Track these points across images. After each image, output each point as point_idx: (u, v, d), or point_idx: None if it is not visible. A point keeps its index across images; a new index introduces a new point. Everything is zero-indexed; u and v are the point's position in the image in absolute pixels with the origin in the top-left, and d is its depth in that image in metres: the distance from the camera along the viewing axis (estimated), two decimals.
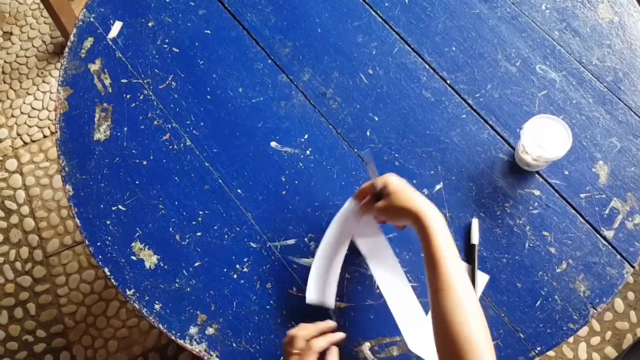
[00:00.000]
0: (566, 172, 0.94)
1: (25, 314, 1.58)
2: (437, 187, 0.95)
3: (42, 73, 1.89)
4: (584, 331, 1.48)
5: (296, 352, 0.77)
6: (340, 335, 0.82)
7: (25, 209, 1.69)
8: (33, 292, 1.60)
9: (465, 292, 0.67)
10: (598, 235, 0.90)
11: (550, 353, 1.47)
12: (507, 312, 0.87)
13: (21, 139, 1.79)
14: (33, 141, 1.79)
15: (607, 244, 0.90)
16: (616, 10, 1.06)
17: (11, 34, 1.96)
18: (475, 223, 0.90)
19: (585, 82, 1.00)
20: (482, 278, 0.88)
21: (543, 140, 0.86)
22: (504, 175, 0.94)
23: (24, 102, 1.84)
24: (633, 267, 0.89)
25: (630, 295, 1.51)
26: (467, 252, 0.90)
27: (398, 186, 0.79)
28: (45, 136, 1.79)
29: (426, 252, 0.71)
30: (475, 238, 0.89)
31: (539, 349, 0.85)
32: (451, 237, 0.72)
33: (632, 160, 0.95)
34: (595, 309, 0.87)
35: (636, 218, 0.91)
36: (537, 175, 0.94)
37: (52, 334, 1.56)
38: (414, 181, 0.95)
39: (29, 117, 1.82)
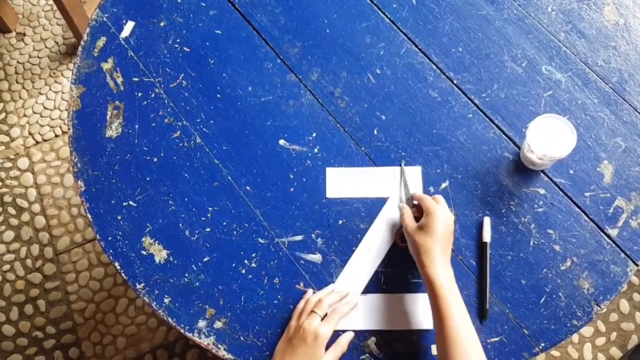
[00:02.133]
0: (571, 172, 0.95)
1: (35, 310, 1.61)
2: (444, 185, 0.96)
3: (54, 73, 1.92)
4: (589, 332, 1.49)
5: (315, 312, 0.84)
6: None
7: (36, 207, 1.72)
8: (43, 289, 1.63)
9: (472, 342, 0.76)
10: (602, 234, 0.91)
11: (556, 353, 1.48)
12: (512, 308, 0.88)
13: (33, 138, 1.82)
14: (45, 140, 1.81)
15: (611, 242, 0.91)
16: (622, 12, 1.07)
17: (24, 34, 1.99)
18: (487, 221, 0.92)
19: (591, 82, 1.01)
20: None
21: (548, 139, 0.87)
22: (510, 174, 0.96)
23: (36, 102, 1.87)
24: (637, 265, 0.90)
25: (636, 296, 1.51)
26: (479, 250, 0.91)
27: (434, 229, 0.82)
28: (56, 135, 1.82)
29: (436, 310, 0.78)
30: (487, 236, 0.91)
31: (542, 344, 0.86)
32: (460, 295, 0.80)
33: (636, 160, 0.96)
34: (599, 306, 0.88)
35: None
36: (542, 174, 0.95)
37: (62, 330, 1.58)
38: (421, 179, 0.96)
39: (41, 116, 1.85)
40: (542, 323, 0.87)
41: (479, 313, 0.88)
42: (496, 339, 0.86)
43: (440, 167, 0.97)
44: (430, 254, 0.80)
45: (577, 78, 1.02)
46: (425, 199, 0.86)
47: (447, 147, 0.99)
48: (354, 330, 0.87)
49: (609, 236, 0.91)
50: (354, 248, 0.92)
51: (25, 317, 1.60)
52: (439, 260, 0.80)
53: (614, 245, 0.91)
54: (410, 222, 0.86)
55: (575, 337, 1.49)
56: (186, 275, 0.93)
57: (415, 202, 0.91)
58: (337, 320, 0.84)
